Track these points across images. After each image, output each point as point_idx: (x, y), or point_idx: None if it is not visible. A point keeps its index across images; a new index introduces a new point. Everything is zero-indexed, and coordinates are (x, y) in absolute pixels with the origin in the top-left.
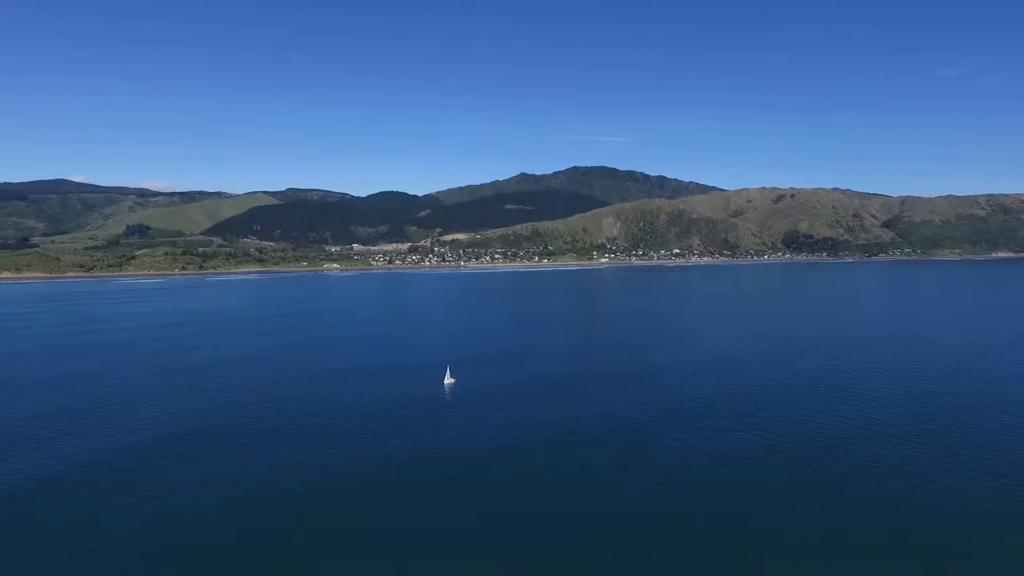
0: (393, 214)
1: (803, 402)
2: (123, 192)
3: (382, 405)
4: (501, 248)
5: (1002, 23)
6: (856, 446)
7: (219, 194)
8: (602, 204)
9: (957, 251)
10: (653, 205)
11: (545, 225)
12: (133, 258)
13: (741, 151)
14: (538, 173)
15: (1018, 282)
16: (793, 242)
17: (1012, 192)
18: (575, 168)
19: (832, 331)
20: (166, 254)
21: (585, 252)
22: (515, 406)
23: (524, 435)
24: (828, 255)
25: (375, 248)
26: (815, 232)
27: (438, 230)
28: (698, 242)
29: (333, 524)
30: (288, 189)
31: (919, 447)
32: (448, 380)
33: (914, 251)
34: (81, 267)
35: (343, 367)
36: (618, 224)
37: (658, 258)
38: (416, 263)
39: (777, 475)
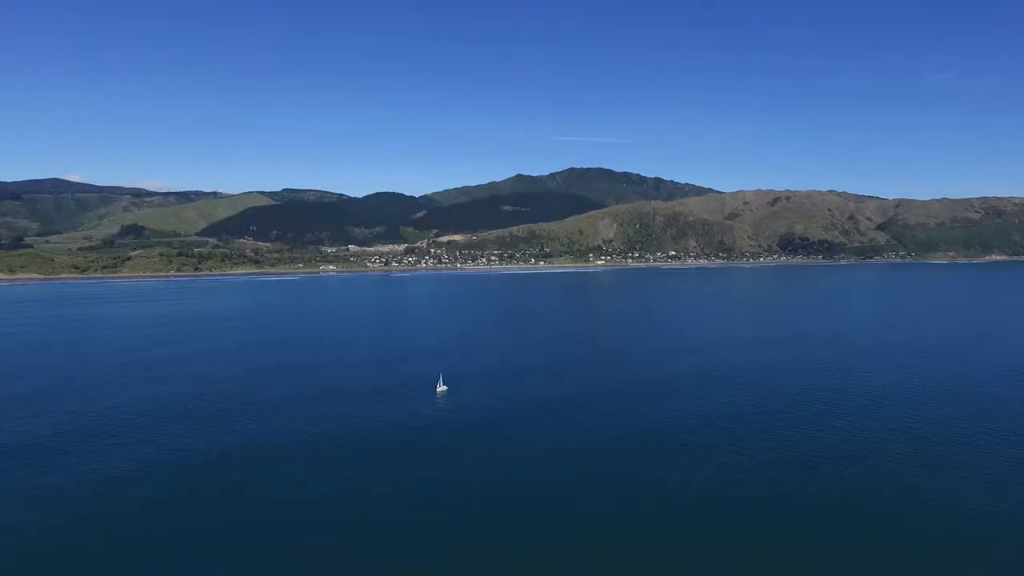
0: (389, 215)
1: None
2: (118, 192)
3: (375, 408)
4: (497, 250)
5: (995, 26)
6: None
7: (215, 194)
8: (598, 206)
9: (951, 254)
10: (649, 207)
11: (541, 227)
12: (128, 259)
13: (737, 153)
14: (534, 174)
15: (994, 286)
16: (789, 244)
17: (1006, 195)
18: (571, 169)
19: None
20: (161, 255)
21: (581, 254)
22: (509, 411)
23: (518, 438)
24: (823, 258)
25: (371, 249)
26: (810, 235)
27: (434, 231)
28: (694, 244)
29: (321, 521)
30: (284, 189)
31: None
32: (440, 387)
33: (908, 254)
34: (75, 268)
35: (336, 370)
36: (614, 226)
37: (654, 260)
38: (412, 265)
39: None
